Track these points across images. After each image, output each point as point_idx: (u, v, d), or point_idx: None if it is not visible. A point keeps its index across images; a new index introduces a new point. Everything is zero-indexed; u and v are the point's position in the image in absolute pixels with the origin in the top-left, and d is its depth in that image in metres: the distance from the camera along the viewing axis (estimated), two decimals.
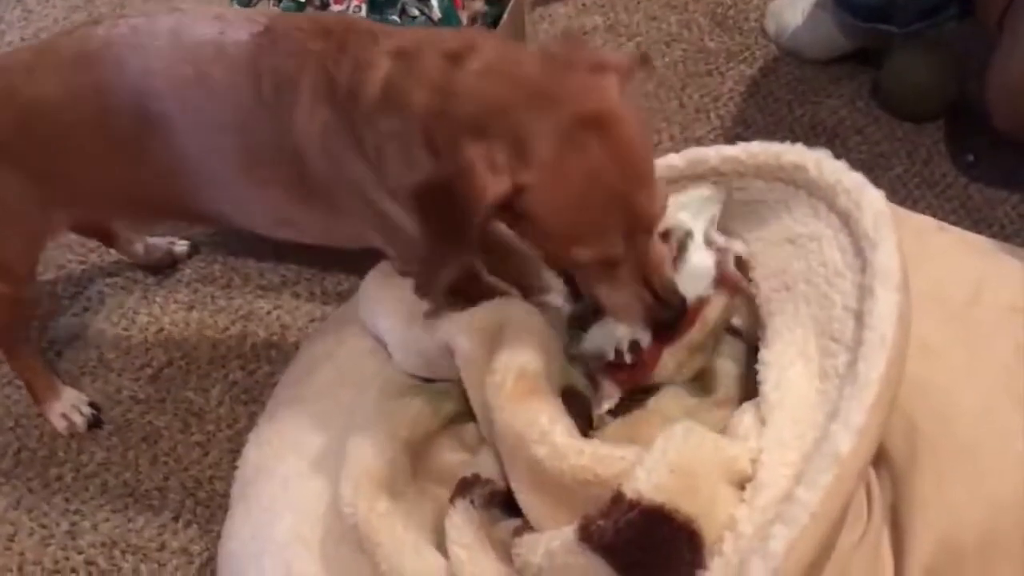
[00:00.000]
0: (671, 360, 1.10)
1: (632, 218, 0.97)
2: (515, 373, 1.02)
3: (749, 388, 1.05)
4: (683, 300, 1.04)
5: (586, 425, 1.09)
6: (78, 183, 1.22)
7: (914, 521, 0.96)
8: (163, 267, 1.63)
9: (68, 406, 1.44)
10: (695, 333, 1.09)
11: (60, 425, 1.44)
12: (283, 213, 1.19)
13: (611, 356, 1.09)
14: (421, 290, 1.09)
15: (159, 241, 1.62)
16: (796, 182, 1.11)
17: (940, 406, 1.02)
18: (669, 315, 1.04)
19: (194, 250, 1.65)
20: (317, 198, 1.13)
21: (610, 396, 1.11)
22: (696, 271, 1.09)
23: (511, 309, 1.10)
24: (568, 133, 0.93)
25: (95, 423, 1.45)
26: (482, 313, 1.10)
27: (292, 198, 1.15)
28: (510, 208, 0.94)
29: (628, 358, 1.08)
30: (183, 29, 1.13)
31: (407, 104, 1.01)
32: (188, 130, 1.13)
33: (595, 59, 0.98)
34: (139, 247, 1.61)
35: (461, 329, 1.09)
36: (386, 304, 1.22)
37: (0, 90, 1.17)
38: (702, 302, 1.09)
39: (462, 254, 1.01)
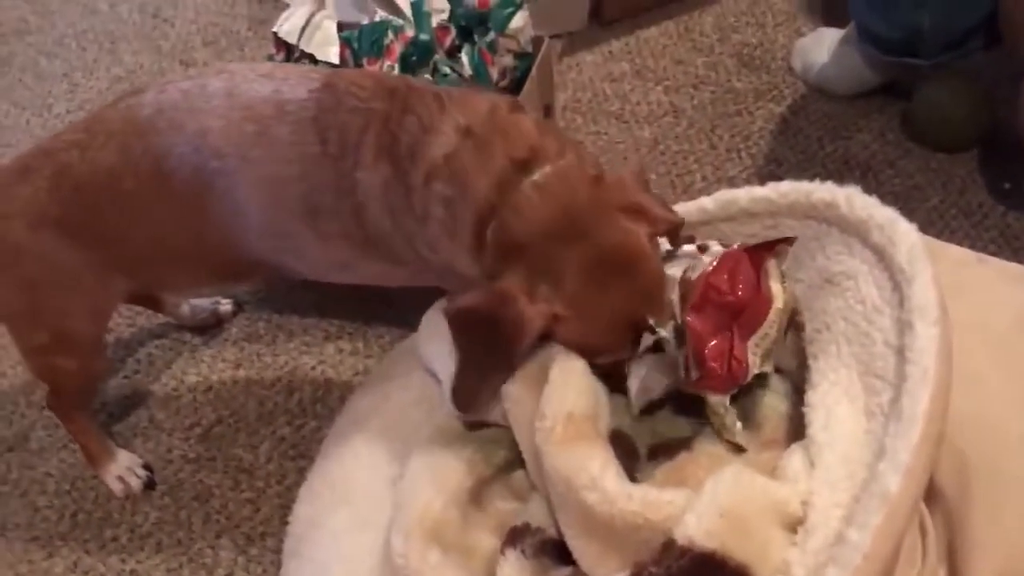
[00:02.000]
0: (756, 350, 1.09)
1: (641, 329, 1.06)
2: (564, 417, 1.02)
3: (797, 429, 1.04)
4: None
5: (632, 465, 1.10)
6: (139, 249, 1.24)
7: (971, 559, 0.94)
8: (209, 327, 1.66)
9: (124, 468, 1.47)
10: (767, 325, 1.09)
11: (117, 488, 1.46)
12: (343, 260, 1.22)
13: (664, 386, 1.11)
14: (460, 406, 1.13)
15: (204, 302, 1.66)
16: (828, 219, 1.12)
17: (989, 438, 1.01)
18: None
19: (238, 308, 1.69)
20: (376, 247, 1.17)
21: (723, 404, 1.10)
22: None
23: (553, 350, 1.11)
24: (594, 269, 1.03)
25: (149, 484, 1.47)
26: (527, 358, 1.11)
27: (352, 246, 1.18)
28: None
29: (718, 367, 1.08)
30: (236, 89, 1.16)
31: (468, 184, 1.08)
32: (250, 185, 1.16)
33: (638, 205, 1.07)
34: (185, 308, 1.64)
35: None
36: (442, 345, 1.24)
37: (54, 171, 1.19)
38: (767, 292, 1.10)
39: (501, 375, 1.09)
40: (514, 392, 1.09)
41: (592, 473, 0.97)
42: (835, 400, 0.98)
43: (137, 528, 1.44)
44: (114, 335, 1.67)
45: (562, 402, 1.04)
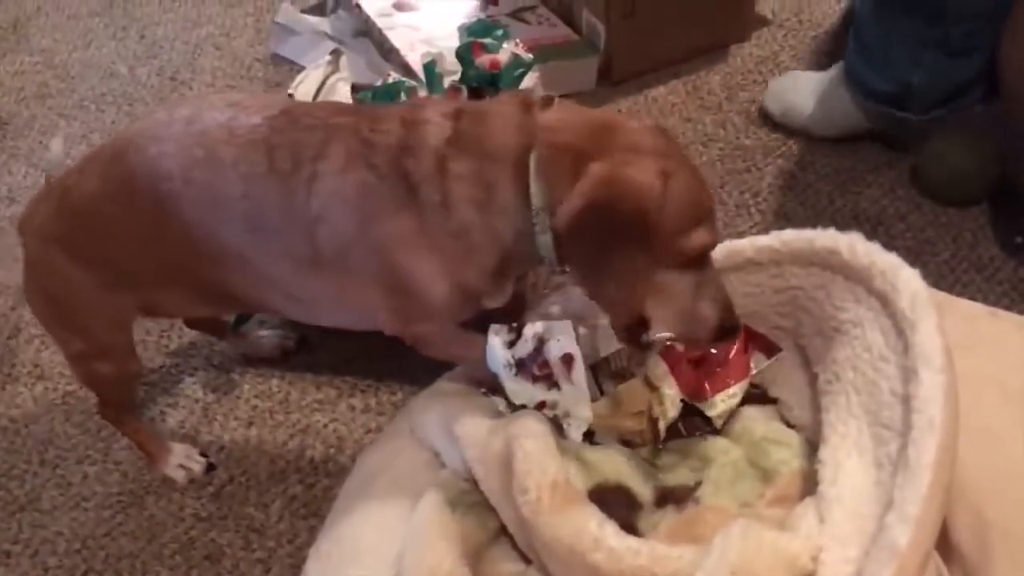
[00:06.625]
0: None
1: (712, 209, 1.06)
2: (549, 487, 1.03)
3: (812, 485, 1.03)
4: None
5: (634, 515, 1.10)
6: (123, 269, 1.29)
7: None
8: (272, 359, 1.69)
9: (183, 457, 1.55)
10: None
11: (180, 475, 1.54)
12: (292, 287, 1.23)
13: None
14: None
15: (269, 332, 1.70)
16: (832, 267, 1.12)
17: (1008, 495, 1.00)
18: (736, 323, 1.09)
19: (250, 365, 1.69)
20: (327, 266, 1.18)
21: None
22: None
23: (514, 426, 1.12)
24: (656, 136, 1.04)
25: (210, 467, 1.56)
26: (495, 439, 1.13)
27: (300, 269, 1.19)
28: None
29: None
30: (196, 117, 1.21)
31: (490, 146, 1.08)
32: (192, 206, 1.19)
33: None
34: (248, 337, 1.69)
35: (476, 459, 1.14)
36: (432, 418, 1.27)
37: (60, 192, 1.27)
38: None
39: (642, 264, 1.03)
40: (480, 472, 1.12)
41: (594, 534, 0.97)
42: (845, 454, 0.97)
43: None
44: None
45: (544, 472, 1.04)
